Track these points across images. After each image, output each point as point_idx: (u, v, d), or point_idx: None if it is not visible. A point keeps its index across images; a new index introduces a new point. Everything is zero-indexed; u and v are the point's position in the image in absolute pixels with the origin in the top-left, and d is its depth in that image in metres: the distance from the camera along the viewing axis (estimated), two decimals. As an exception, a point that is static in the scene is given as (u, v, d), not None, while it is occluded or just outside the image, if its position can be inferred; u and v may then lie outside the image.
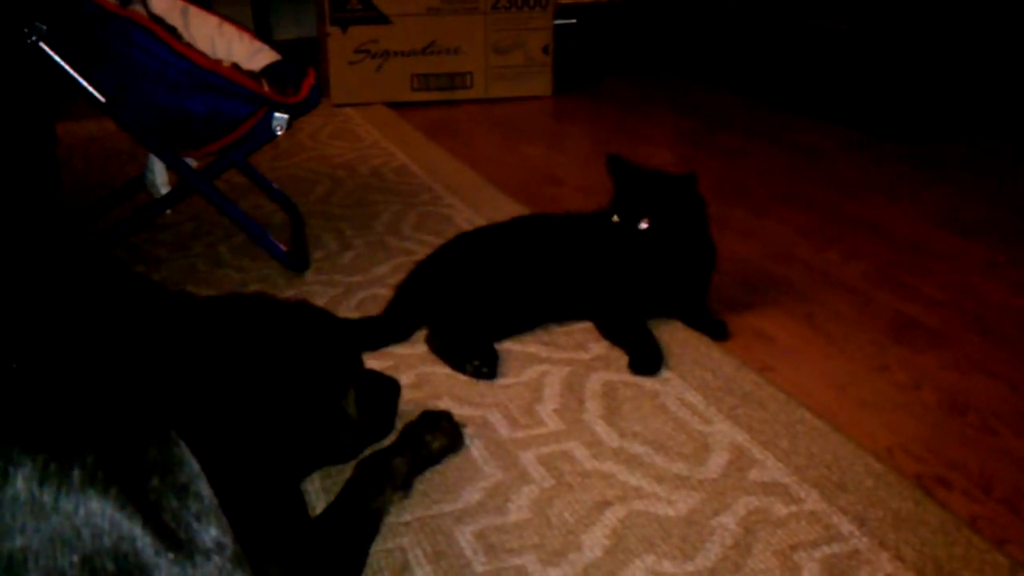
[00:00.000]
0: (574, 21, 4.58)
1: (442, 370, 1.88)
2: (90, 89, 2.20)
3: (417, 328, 2.02)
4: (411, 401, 1.77)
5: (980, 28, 3.37)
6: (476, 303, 2.01)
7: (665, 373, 1.87)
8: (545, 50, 4.14)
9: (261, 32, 4.51)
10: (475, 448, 1.62)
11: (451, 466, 1.58)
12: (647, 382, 1.83)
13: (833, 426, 1.69)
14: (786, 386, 1.83)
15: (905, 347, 1.99)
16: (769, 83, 3.98)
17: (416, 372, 1.88)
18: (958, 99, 3.45)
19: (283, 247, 2.35)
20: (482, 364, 1.86)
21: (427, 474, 1.55)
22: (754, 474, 1.55)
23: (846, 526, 1.43)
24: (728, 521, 1.44)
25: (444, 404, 1.75)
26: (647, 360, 1.88)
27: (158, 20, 2.30)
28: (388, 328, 2.01)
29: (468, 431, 1.67)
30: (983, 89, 3.45)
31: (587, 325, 2.05)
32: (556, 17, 4.22)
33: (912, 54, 3.37)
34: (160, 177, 2.45)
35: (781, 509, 1.47)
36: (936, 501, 1.49)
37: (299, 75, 2.35)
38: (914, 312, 2.15)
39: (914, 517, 1.45)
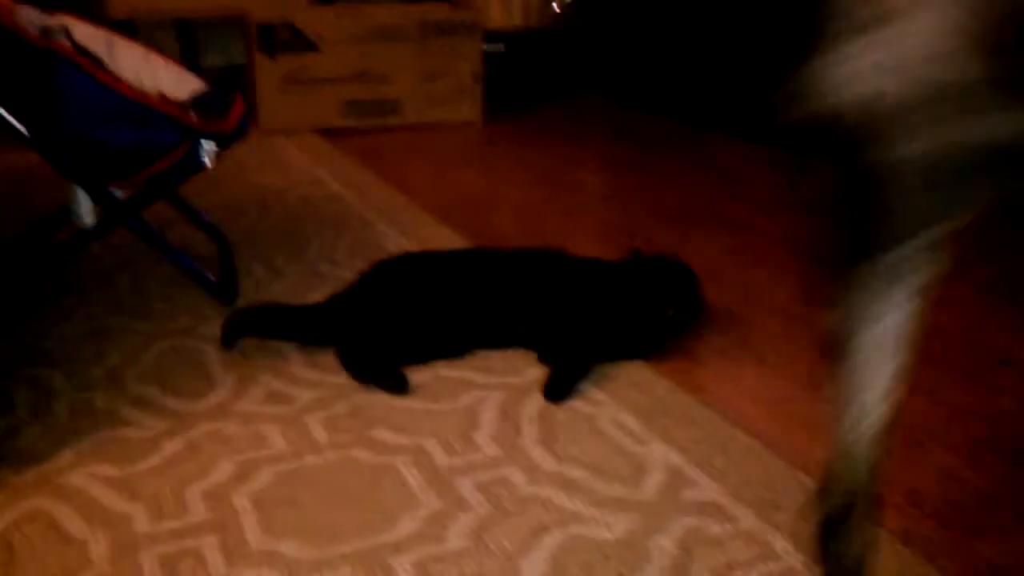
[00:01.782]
0: (503, 47, 4.61)
1: (378, 399, 1.87)
2: (12, 122, 2.15)
3: (325, 340, 2.05)
4: (345, 430, 1.76)
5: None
6: (384, 326, 2.03)
7: (599, 395, 1.88)
8: (475, 76, 4.15)
9: (188, 60, 4.47)
10: (412, 476, 1.61)
11: (387, 495, 1.57)
12: (583, 405, 1.84)
13: (766, 444, 1.71)
14: (719, 406, 1.85)
15: (832, 368, 2.02)
16: (700, 107, 4.04)
17: (351, 401, 1.86)
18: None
19: (212, 278, 2.32)
20: (386, 386, 1.89)
21: (363, 503, 1.54)
22: (690, 494, 1.57)
23: (780, 544, 1.45)
24: (665, 542, 1.45)
25: (380, 433, 1.74)
26: (563, 386, 1.89)
27: (82, 51, 2.27)
28: (300, 322, 2.07)
29: (405, 460, 1.66)
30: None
31: (521, 351, 2.05)
32: (485, 43, 4.24)
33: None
34: (86, 208, 2.41)
35: (717, 528, 1.48)
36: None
37: (227, 103, 2.33)
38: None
39: (847, 533, 1.47)
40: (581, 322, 2.06)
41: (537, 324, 2.07)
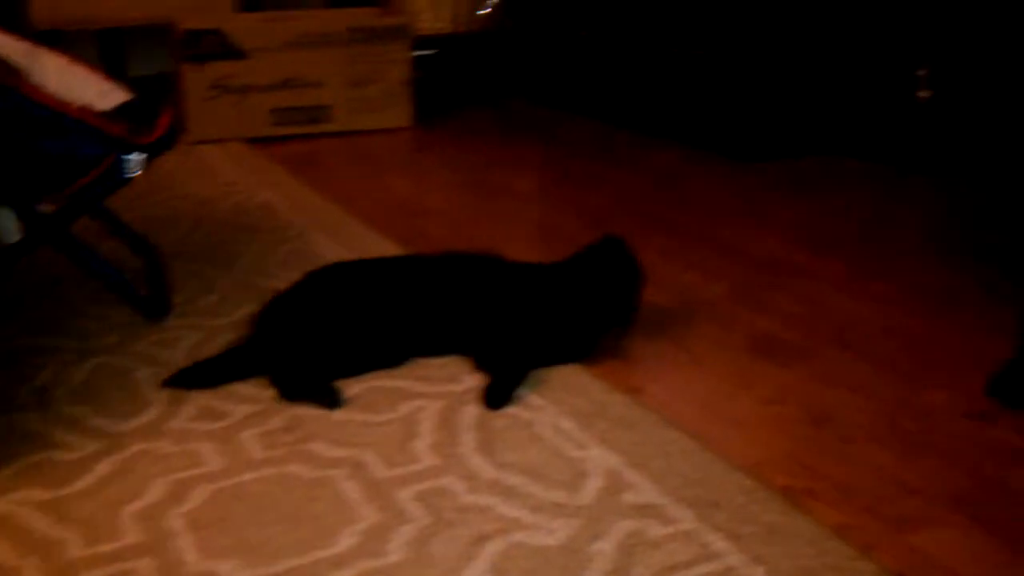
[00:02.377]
0: (434, 52, 4.60)
1: (314, 412, 1.85)
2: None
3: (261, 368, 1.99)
4: (281, 445, 1.74)
5: (823, 55, 3.51)
6: (317, 338, 2.01)
7: (537, 400, 1.88)
8: (405, 81, 4.14)
9: (114, 69, 4.39)
10: (350, 490, 1.60)
11: (326, 510, 1.55)
12: (521, 412, 1.84)
13: (703, 444, 1.72)
14: (656, 407, 1.86)
15: (768, 363, 2.05)
16: (629, 110, 4.06)
17: (286, 415, 1.84)
18: (805, 119, 3.58)
19: (142, 293, 2.28)
20: (319, 401, 1.87)
21: (302, 519, 1.53)
22: (629, 497, 1.57)
23: (720, 544, 1.46)
24: (606, 546, 1.46)
25: (316, 447, 1.73)
26: (502, 392, 1.89)
27: (2, 62, 2.22)
28: (232, 364, 2.00)
29: (343, 473, 1.64)
30: (828, 108, 3.59)
31: (458, 358, 2.04)
32: (415, 48, 4.22)
33: (763, 79, 3.49)
34: (10, 225, 2.35)
35: (657, 530, 1.49)
36: (805, 512, 1.54)
37: (154, 114, 2.30)
38: (775, 328, 2.21)
39: (785, 530, 1.49)
40: (517, 327, 2.06)
41: (473, 330, 2.07)
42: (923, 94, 3.23)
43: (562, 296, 2.08)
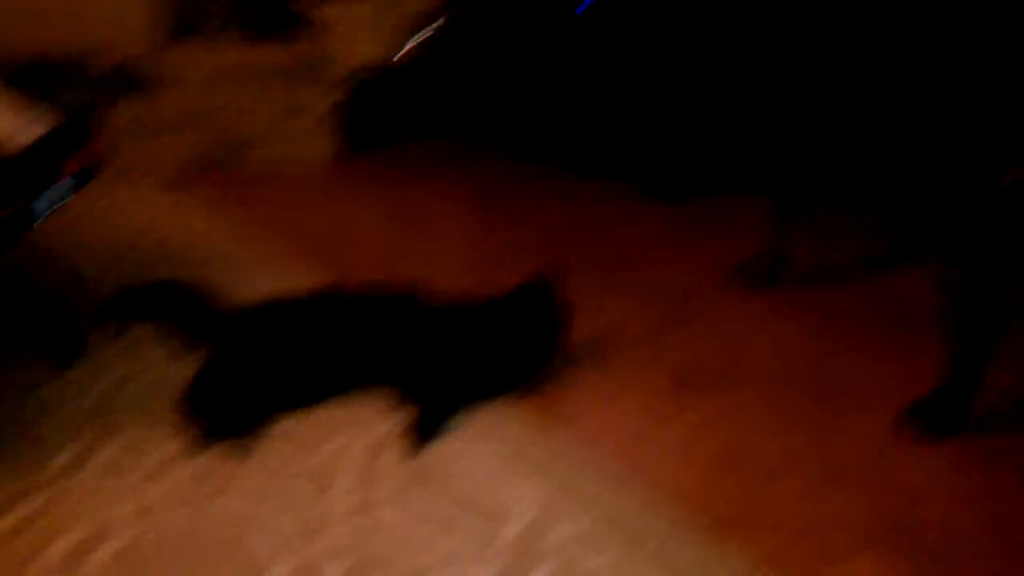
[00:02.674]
0: (358, 86, 4.58)
1: (224, 464, 1.80)
2: None
3: None
4: (191, 499, 1.69)
5: (743, 101, 3.55)
6: (237, 379, 1.97)
7: (465, 436, 1.87)
8: (330, 115, 4.11)
9: (35, 103, 4.31)
10: (263, 540, 1.57)
11: (239, 563, 1.51)
12: (448, 447, 1.83)
13: (629, 476, 1.72)
14: (583, 440, 1.85)
15: (690, 394, 2.05)
16: (554, 145, 4.06)
17: (195, 466, 1.79)
18: (726, 158, 3.61)
19: (53, 337, 2.22)
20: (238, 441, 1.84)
21: (214, 572, 1.48)
22: (558, 530, 1.57)
23: (650, 572, 1.46)
24: (530, 586, 1.45)
25: (227, 499, 1.68)
26: (429, 428, 1.88)
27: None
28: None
29: (256, 523, 1.61)
30: (748, 148, 3.61)
31: (384, 394, 2.01)
32: (343, 82, 4.20)
33: (687, 118, 3.52)
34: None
35: (587, 562, 1.50)
36: (730, 544, 1.54)
37: (75, 147, 2.26)
38: (696, 361, 2.21)
39: (712, 559, 1.50)
40: (443, 363, 2.04)
41: (399, 366, 2.04)
42: (828, 137, 3.27)
43: (488, 333, 2.06)
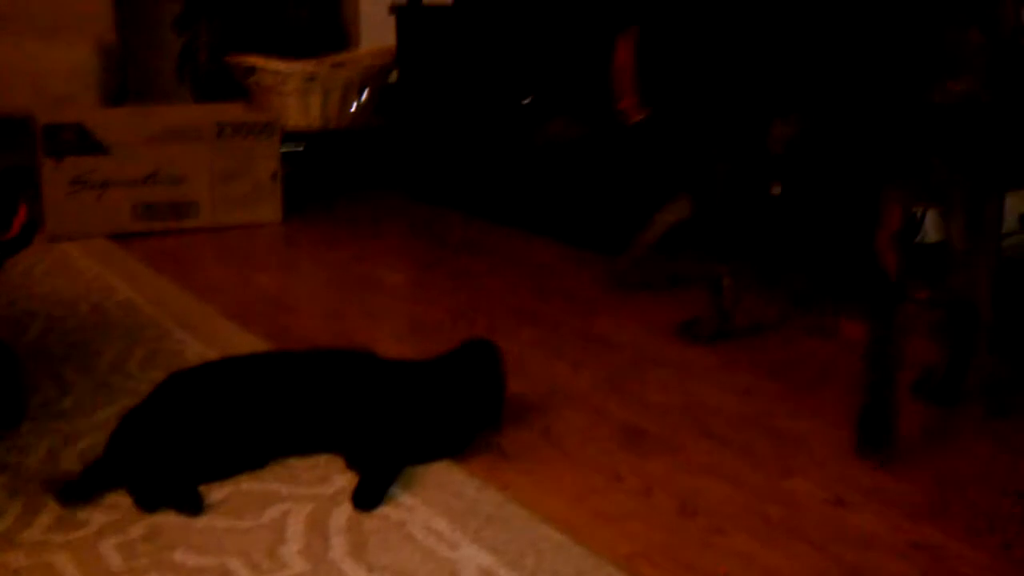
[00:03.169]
0: (302, 147, 4.60)
1: (177, 519, 1.79)
2: None
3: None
4: (142, 555, 1.67)
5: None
6: (176, 442, 1.94)
7: (409, 500, 1.86)
8: (273, 176, 4.12)
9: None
10: (215, 599, 1.55)
11: (190, 621, 1.50)
12: (393, 511, 1.82)
13: (574, 539, 1.73)
14: (527, 502, 1.86)
15: (636, 454, 2.08)
16: (502, 205, 4.12)
17: (147, 523, 1.78)
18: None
19: (-5, 396, 2.19)
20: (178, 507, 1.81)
21: (164, 633, 1.47)
22: (502, 597, 1.57)
23: (593, 640, 1.46)
24: (479, 649, 1.44)
25: (180, 556, 1.67)
26: (373, 493, 1.87)
27: None
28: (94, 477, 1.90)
29: (207, 581, 1.59)
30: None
31: (328, 457, 2.01)
32: (284, 143, 4.22)
33: (630, 176, 3.59)
34: None
35: (530, 630, 1.49)
36: (675, 606, 1.55)
37: (9, 211, 2.23)
38: (642, 419, 2.25)
39: (656, 624, 1.50)
40: (387, 424, 2.04)
41: (342, 428, 2.04)
42: (776, 191, 3.37)
43: (432, 394, 2.08)
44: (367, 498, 1.85)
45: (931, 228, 3.19)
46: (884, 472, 2.00)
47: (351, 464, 1.98)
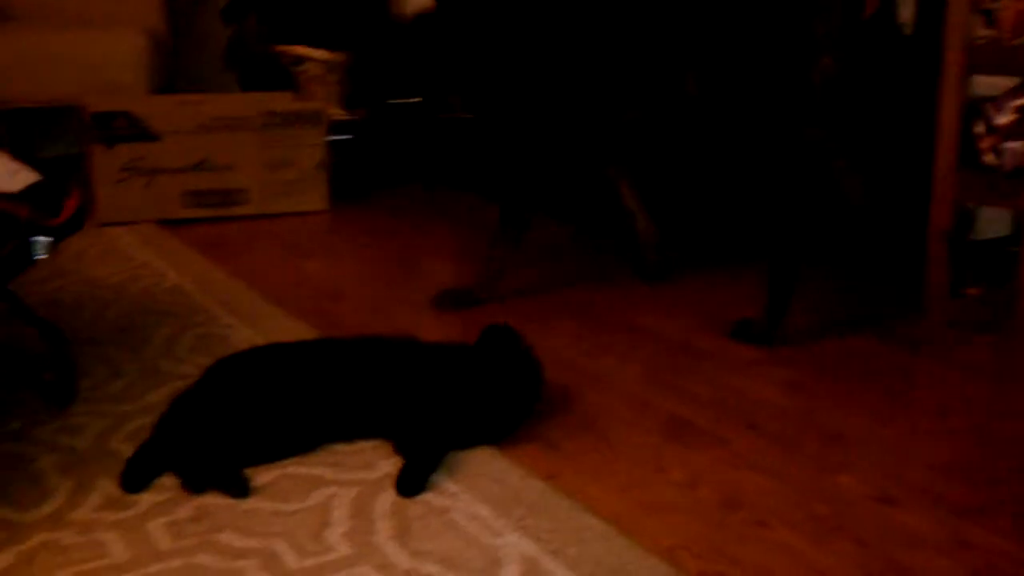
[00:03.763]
0: (350, 137, 4.62)
1: (224, 501, 1.81)
2: None
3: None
4: (189, 535, 1.70)
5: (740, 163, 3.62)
6: (225, 426, 1.97)
7: (453, 487, 1.87)
8: (320, 165, 4.14)
9: (21, 150, 4.32)
10: (261, 581, 1.57)
11: (236, 602, 1.52)
12: (436, 498, 1.83)
13: (618, 529, 1.73)
14: (571, 492, 1.86)
15: (680, 446, 2.07)
16: (548, 196, 4.10)
17: (194, 504, 1.80)
18: (714, 213, 3.68)
19: (47, 378, 2.22)
20: (225, 490, 1.84)
21: (211, 613, 1.49)
22: (545, 585, 1.57)
23: (636, 631, 1.46)
24: (522, 636, 1.45)
25: (226, 537, 1.69)
26: (416, 479, 1.88)
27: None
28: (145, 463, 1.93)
29: (254, 564, 1.61)
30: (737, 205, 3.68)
31: (373, 443, 2.03)
32: (330, 132, 4.24)
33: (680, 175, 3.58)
34: (-93, 308, 2.29)
35: (573, 619, 1.49)
36: (719, 598, 1.55)
37: (62, 196, 2.27)
38: (687, 412, 2.24)
39: (699, 616, 1.50)
40: (430, 410, 2.05)
41: (387, 414, 2.05)
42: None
43: (474, 380, 2.08)
44: (410, 484, 1.86)
45: (984, 225, 3.14)
46: (933, 470, 1.98)
47: (399, 449, 1.99)
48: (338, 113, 4.45)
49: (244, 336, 2.61)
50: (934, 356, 2.59)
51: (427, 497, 1.83)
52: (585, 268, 3.41)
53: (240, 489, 1.83)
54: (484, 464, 1.96)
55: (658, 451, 2.06)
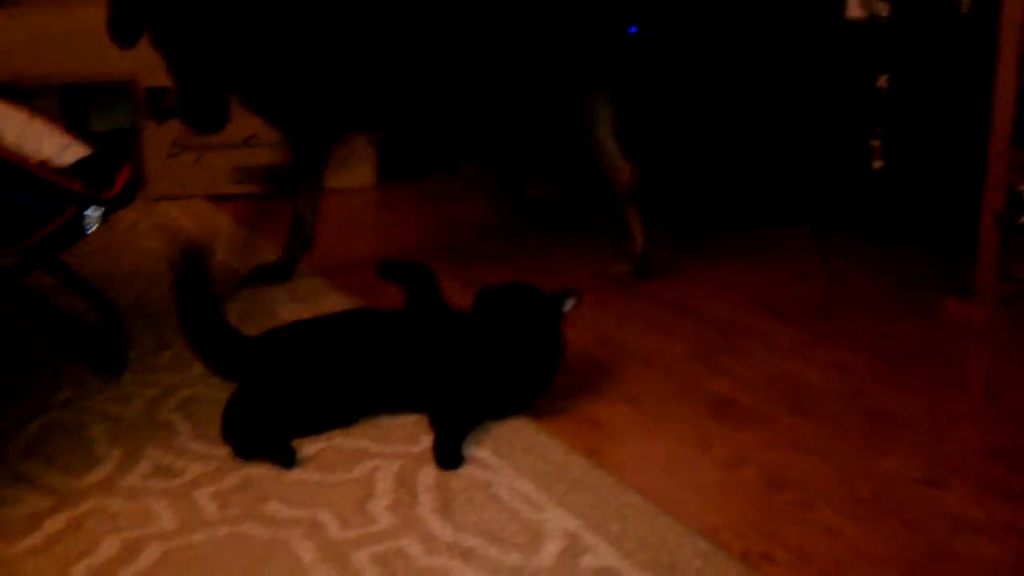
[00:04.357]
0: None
1: (270, 471, 1.83)
2: None
3: None
4: (236, 504, 1.72)
5: (782, 130, 3.58)
6: (272, 397, 1.99)
7: (495, 461, 1.87)
8: (368, 142, 4.16)
9: (74, 125, 4.38)
10: (306, 551, 1.58)
11: (281, 571, 1.53)
12: (479, 472, 1.83)
13: (661, 507, 1.72)
14: (614, 469, 1.86)
15: (725, 426, 2.06)
16: (586, 174, 4.09)
17: (241, 474, 1.82)
18: (763, 190, 3.64)
19: (97, 348, 2.26)
20: (273, 460, 1.86)
21: (256, 580, 1.51)
22: (587, 560, 1.56)
23: (678, 607, 1.46)
24: (563, 610, 1.45)
25: (272, 507, 1.71)
26: (449, 450, 1.89)
27: (-39, 115, 2.21)
28: None
29: (299, 533, 1.62)
30: (785, 179, 3.65)
31: (417, 417, 2.04)
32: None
33: (723, 149, 3.55)
34: (-37, 277, 2.33)
35: (615, 594, 1.48)
36: (761, 577, 1.54)
37: (113, 169, 2.29)
38: (732, 391, 2.23)
39: (741, 594, 1.49)
40: (454, 381, 2.05)
41: (423, 387, 2.06)
42: (876, 164, 3.31)
43: (498, 351, 2.07)
44: (445, 456, 1.87)
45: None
46: (982, 454, 1.95)
47: (432, 423, 1.99)
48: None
49: (291, 309, 2.63)
50: (984, 339, 2.55)
51: (470, 471, 1.84)
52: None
53: (287, 460, 1.85)
54: (527, 439, 1.97)
55: (702, 430, 2.05)
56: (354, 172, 4.16)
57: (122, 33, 2.74)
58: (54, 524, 1.66)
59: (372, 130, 3.70)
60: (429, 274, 2.26)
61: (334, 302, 2.69)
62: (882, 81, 3.33)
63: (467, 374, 2.05)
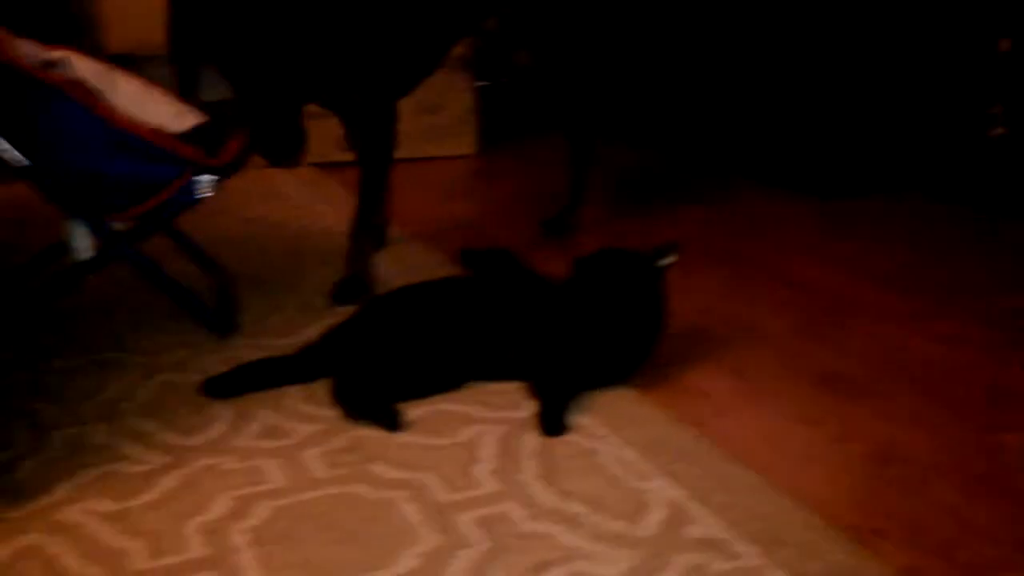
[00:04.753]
0: (503, 81, 4.62)
1: (377, 434, 1.86)
2: (14, 153, 2.14)
3: (321, 376, 2.05)
4: (344, 465, 1.75)
5: (897, 94, 3.48)
6: (379, 362, 2.02)
7: (600, 430, 1.87)
8: (470, 111, 4.16)
9: (187, 93, 4.47)
10: (411, 512, 1.60)
11: (387, 531, 1.55)
12: (584, 440, 1.83)
13: (767, 480, 1.70)
14: (719, 441, 1.84)
15: (834, 399, 2.02)
16: (691, 143, 4.04)
17: (349, 436, 1.85)
18: (877, 157, 3.55)
19: (210, 311, 2.31)
20: (380, 422, 1.88)
21: (362, 539, 1.53)
22: (691, 530, 1.56)
23: (784, 580, 1.44)
24: (668, 579, 1.44)
25: (379, 468, 1.73)
26: (553, 418, 1.88)
27: (80, 83, 2.27)
28: (292, 367, 2.06)
29: (405, 495, 1.65)
30: (900, 146, 3.55)
31: (519, 384, 2.04)
32: (479, 79, 4.25)
33: (834, 116, 3.46)
34: (83, 242, 2.40)
35: (720, 565, 1.47)
36: (872, 553, 1.51)
37: (226, 137, 2.34)
38: (840, 365, 2.18)
39: (851, 569, 1.46)
40: (557, 347, 2.05)
41: (526, 355, 2.06)
42: (997, 131, 3.19)
43: (600, 318, 2.05)
44: (550, 423, 1.87)
45: None
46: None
47: (533, 392, 1.99)
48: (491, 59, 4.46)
49: (397, 275, 2.65)
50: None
51: (574, 438, 1.84)
52: (742, 218, 3.34)
53: (393, 423, 1.88)
54: (631, 409, 1.96)
55: (810, 403, 2.01)
56: (457, 141, 4.18)
57: (181, 56, 2.80)
58: (169, 481, 1.71)
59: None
60: (512, 259, 2.25)
61: (436, 269, 2.70)
62: (1004, 44, 3.20)
63: (570, 341, 2.05)
